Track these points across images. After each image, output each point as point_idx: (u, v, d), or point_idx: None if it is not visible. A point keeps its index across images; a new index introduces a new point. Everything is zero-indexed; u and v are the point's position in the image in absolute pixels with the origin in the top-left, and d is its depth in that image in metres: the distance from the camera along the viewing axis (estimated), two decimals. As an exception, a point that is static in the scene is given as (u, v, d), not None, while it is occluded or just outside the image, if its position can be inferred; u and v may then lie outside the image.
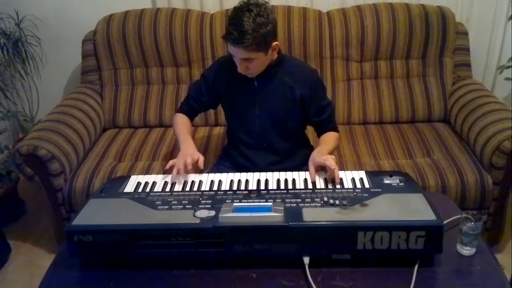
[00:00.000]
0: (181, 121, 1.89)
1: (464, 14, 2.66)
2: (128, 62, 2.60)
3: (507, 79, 2.68)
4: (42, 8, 2.76)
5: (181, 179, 1.56)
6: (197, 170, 1.63)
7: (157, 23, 2.53)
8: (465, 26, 2.58)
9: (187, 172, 1.58)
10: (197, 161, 1.64)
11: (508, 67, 2.62)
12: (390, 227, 1.21)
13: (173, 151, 2.33)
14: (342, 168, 2.04)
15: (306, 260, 1.23)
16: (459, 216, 1.35)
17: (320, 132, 1.88)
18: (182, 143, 1.76)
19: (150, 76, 2.62)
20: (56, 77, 2.94)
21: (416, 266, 1.23)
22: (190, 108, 1.93)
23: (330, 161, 1.52)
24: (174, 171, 1.57)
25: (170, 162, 1.62)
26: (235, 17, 1.56)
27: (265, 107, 1.80)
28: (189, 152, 1.67)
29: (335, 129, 1.88)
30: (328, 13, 2.56)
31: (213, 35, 2.53)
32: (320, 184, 1.50)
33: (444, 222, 1.26)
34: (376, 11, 2.50)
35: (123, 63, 2.61)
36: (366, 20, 2.49)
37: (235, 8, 1.59)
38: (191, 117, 1.95)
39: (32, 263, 2.33)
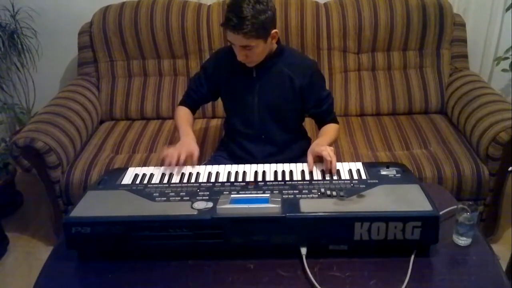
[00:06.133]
0: (182, 113, 1.89)
1: (461, 6, 2.65)
2: (125, 54, 2.59)
3: (504, 70, 2.68)
4: (37, 0, 2.74)
5: (177, 171, 1.56)
6: (191, 163, 1.62)
7: (153, 14, 2.52)
8: (463, 17, 2.57)
9: (180, 164, 1.57)
10: (191, 155, 1.63)
11: (505, 58, 2.62)
12: (386, 218, 1.21)
13: (171, 143, 2.33)
14: (339, 159, 2.02)
15: (304, 250, 1.23)
16: (455, 206, 1.36)
17: (320, 124, 1.88)
18: (181, 135, 1.76)
19: (147, 68, 2.61)
20: (53, 69, 2.92)
21: (413, 256, 1.24)
22: (191, 100, 1.93)
23: (328, 151, 1.52)
24: (167, 162, 1.57)
25: (164, 153, 1.61)
26: (234, 4, 1.57)
27: (264, 98, 1.80)
28: (186, 144, 1.67)
29: (334, 120, 1.88)
30: (325, 4, 2.56)
31: (210, 27, 2.52)
32: (317, 175, 1.50)
33: (440, 212, 1.27)
34: (373, 2, 2.49)
35: (120, 55, 2.60)
36: (364, 12, 2.48)
37: None
38: (193, 110, 1.94)
39: (30, 255, 2.33)
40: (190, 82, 1.97)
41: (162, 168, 1.58)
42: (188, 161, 1.60)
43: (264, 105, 1.81)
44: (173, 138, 2.37)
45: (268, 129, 1.84)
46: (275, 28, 1.66)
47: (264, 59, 1.73)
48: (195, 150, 1.65)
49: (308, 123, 2.11)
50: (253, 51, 1.64)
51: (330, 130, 1.83)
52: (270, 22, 1.61)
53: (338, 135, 1.93)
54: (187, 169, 1.57)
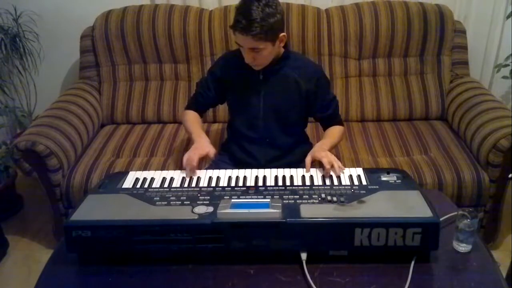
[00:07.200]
0: (191, 117, 1.89)
1: (462, 12, 2.66)
2: (127, 58, 2.60)
3: (504, 77, 2.69)
4: (40, 3, 2.75)
5: (194, 175, 1.56)
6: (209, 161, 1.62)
7: (155, 19, 2.53)
8: (463, 24, 2.58)
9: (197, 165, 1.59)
10: (206, 154, 1.65)
11: (505, 65, 2.63)
12: (387, 224, 1.21)
13: (172, 147, 2.34)
14: (340, 165, 2.05)
15: (304, 256, 1.23)
16: (456, 213, 1.36)
17: (325, 127, 1.91)
18: (195, 137, 1.76)
19: (148, 73, 2.62)
20: (54, 72, 2.93)
21: (413, 263, 1.24)
22: (198, 104, 1.93)
23: (328, 158, 1.53)
24: (187, 168, 1.57)
25: (185, 158, 1.61)
26: (243, 6, 1.58)
27: (269, 101, 1.80)
28: (201, 145, 1.68)
29: (340, 122, 1.90)
30: (326, 10, 2.57)
31: (212, 32, 2.53)
32: (317, 180, 1.51)
33: (441, 219, 1.27)
34: (374, 9, 2.50)
35: (122, 59, 2.60)
36: (365, 18, 2.49)
37: None
38: (200, 114, 1.95)
39: (30, 258, 2.33)
40: (196, 86, 1.96)
41: (163, 172, 1.58)
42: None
43: (269, 109, 1.81)
44: (174, 142, 2.38)
45: (272, 133, 1.85)
46: (283, 32, 1.67)
47: (271, 62, 1.74)
48: (211, 149, 1.67)
49: (310, 129, 2.11)
50: (261, 54, 1.65)
51: (334, 132, 1.86)
52: (278, 25, 1.62)
53: (343, 137, 1.95)
54: (206, 174, 1.57)
